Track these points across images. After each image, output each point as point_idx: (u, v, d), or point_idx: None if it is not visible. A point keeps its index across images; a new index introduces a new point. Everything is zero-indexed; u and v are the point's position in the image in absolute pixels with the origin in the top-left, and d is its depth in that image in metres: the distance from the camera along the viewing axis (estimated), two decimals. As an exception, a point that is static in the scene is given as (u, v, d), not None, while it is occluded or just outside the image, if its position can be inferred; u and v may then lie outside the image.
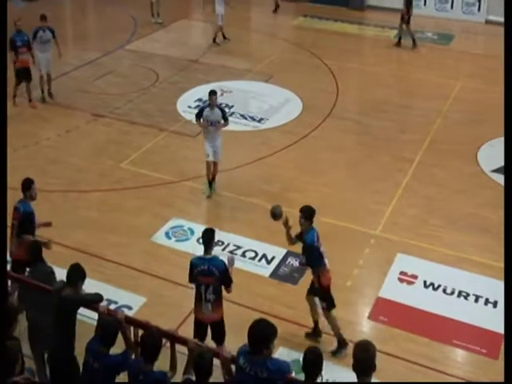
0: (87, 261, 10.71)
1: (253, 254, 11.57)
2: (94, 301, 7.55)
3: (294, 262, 11.24)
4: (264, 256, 11.53)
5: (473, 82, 18.66)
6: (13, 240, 9.36)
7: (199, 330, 8.56)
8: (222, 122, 13.00)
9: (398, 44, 21.38)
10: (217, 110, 12.90)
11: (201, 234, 8.71)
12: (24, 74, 16.69)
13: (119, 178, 13.75)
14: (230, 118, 15.98)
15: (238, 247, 11.70)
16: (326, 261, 9.13)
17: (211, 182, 13.19)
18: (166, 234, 12.04)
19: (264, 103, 17.42)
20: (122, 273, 10.99)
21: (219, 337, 8.63)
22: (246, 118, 16.50)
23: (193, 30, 24.21)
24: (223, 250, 11.59)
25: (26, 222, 9.39)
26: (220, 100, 17.07)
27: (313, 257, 9.12)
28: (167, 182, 13.66)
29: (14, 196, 9.15)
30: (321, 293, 9.27)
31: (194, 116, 13.44)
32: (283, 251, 11.48)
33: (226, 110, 16.69)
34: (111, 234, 11.92)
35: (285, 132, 15.88)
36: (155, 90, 18.12)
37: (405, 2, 20.93)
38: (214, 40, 21.45)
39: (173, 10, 25.06)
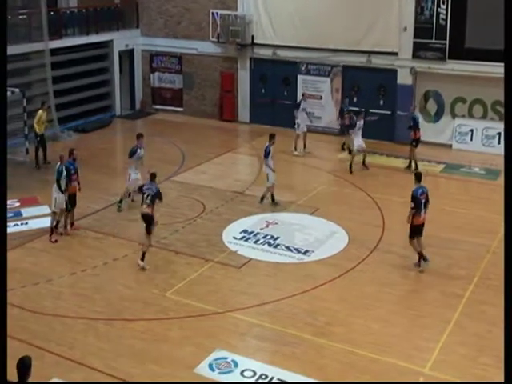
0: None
1: (297, 391, 11.23)
2: None
3: (340, 400, 10.93)
4: (309, 392, 11.19)
5: (520, 217, 18.44)
6: None
7: None
8: None
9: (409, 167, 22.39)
10: None
11: None
12: (73, 200, 17.23)
13: (164, 308, 13.69)
14: (275, 250, 16.18)
15: (282, 382, 11.38)
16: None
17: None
18: (210, 365, 11.77)
19: (309, 235, 17.42)
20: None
21: None
22: (291, 250, 16.43)
23: (239, 162, 24.70)
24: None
25: None
26: (265, 231, 17.28)
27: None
28: (211, 312, 13.54)
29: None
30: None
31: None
32: (329, 388, 11.18)
33: (271, 241, 16.82)
34: (154, 365, 11.74)
35: (330, 265, 15.76)
36: (201, 221, 18.33)
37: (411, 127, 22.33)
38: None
39: (220, 143, 25.83)
